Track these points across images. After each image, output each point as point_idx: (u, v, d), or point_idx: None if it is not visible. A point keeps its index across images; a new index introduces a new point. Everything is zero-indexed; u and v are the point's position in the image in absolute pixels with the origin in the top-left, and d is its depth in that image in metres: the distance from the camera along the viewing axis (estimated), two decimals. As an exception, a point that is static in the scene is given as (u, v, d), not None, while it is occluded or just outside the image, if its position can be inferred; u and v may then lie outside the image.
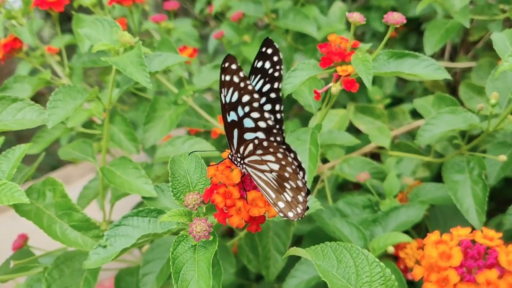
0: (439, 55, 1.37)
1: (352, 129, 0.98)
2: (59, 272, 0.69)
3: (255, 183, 0.50)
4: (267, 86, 0.51)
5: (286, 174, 0.48)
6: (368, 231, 0.78)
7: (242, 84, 0.46)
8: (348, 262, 0.47)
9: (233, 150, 0.51)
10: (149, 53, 0.73)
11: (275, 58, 0.51)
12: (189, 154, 0.59)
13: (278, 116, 0.52)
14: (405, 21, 0.62)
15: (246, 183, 0.52)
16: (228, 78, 0.46)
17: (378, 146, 0.94)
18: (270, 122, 0.47)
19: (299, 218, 0.50)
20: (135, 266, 0.84)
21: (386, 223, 0.79)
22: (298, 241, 1.06)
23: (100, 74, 1.29)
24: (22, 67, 1.15)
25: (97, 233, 0.67)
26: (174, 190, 0.57)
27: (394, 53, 0.67)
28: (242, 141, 0.49)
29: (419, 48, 1.25)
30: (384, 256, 0.77)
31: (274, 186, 0.49)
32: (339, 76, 0.65)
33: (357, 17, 0.62)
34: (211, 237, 0.52)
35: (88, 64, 0.90)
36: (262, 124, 0.48)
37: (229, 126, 0.49)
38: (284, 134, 0.52)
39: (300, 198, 0.49)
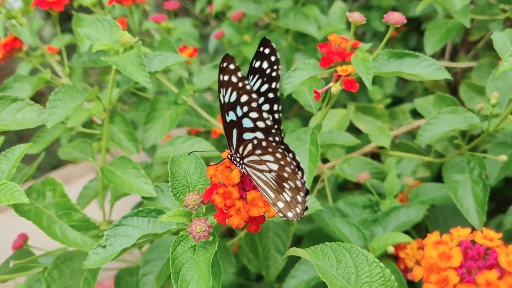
0: (439, 55, 1.37)
1: (352, 129, 0.98)
2: (59, 272, 0.69)
3: (254, 183, 0.50)
4: (265, 86, 0.51)
5: (285, 174, 0.48)
6: (368, 231, 0.78)
7: (240, 84, 0.46)
8: (347, 263, 0.47)
9: (232, 150, 0.51)
10: (149, 53, 0.73)
11: (273, 58, 0.51)
12: (188, 154, 0.59)
13: (276, 116, 0.52)
14: (405, 21, 0.62)
15: (245, 183, 0.52)
16: (226, 78, 0.46)
17: (379, 146, 0.93)
18: (268, 122, 0.47)
19: (298, 218, 0.50)
20: (135, 266, 0.84)
21: (386, 223, 0.78)
22: (298, 241, 1.05)
23: (100, 74, 1.29)
24: (22, 66, 1.15)
25: (96, 233, 0.67)
26: (173, 190, 0.57)
27: (394, 53, 0.67)
28: (241, 141, 0.49)
29: (419, 48, 1.25)
30: (384, 256, 0.77)
31: (273, 186, 0.49)
32: (339, 76, 0.65)
33: (357, 17, 0.62)
34: (211, 238, 0.52)
35: (88, 63, 0.90)
36: (260, 124, 0.47)
37: (228, 126, 0.49)
38: (282, 134, 0.52)
39: (299, 198, 0.49)
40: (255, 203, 0.50)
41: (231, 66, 0.45)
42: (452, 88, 1.27)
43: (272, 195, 0.49)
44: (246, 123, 0.48)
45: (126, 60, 0.67)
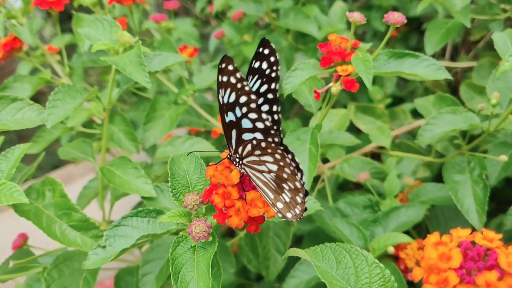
0: (440, 55, 1.37)
1: (353, 129, 0.98)
2: (59, 272, 0.69)
3: (254, 183, 0.50)
4: (265, 87, 0.51)
5: (284, 175, 0.48)
6: (369, 231, 0.77)
7: (239, 85, 0.45)
8: (347, 263, 0.47)
9: (231, 150, 0.50)
10: (148, 53, 0.73)
11: (272, 59, 0.51)
12: (188, 154, 0.59)
13: (276, 117, 0.52)
14: (405, 21, 0.62)
15: (245, 184, 0.52)
16: (225, 79, 0.46)
17: (379, 146, 0.93)
18: (267, 123, 0.47)
19: (298, 219, 0.50)
20: (135, 265, 0.84)
21: (387, 223, 0.78)
22: (298, 241, 1.05)
23: (101, 74, 1.29)
24: (23, 66, 1.15)
25: (96, 233, 0.67)
26: (173, 191, 0.56)
27: (395, 53, 0.67)
28: (240, 142, 0.49)
29: (420, 48, 1.25)
30: (385, 257, 0.77)
31: (273, 187, 0.49)
32: (339, 76, 0.65)
33: (357, 17, 0.62)
34: (211, 238, 0.52)
35: (88, 63, 0.90)
36: (259, 125, 0.47)
37: (227, 127, 0.49)
38: (281, 135, 0.52)
39: (299, 199, 0.49)
40: (255, 204, 0.50)
41: (230, 67, 0.45)
42: (452, 88, 1.27)
43: (272, 196, 0.49)
44: (245, 123, 0.48)
45: (125, 60, 0.67)
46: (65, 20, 1.73)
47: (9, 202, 0.59)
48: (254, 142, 0.48)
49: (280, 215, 0.50)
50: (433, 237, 0.46)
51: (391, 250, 0.73)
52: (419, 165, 0.98)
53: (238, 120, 0.47)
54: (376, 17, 1.34)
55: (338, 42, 0.67)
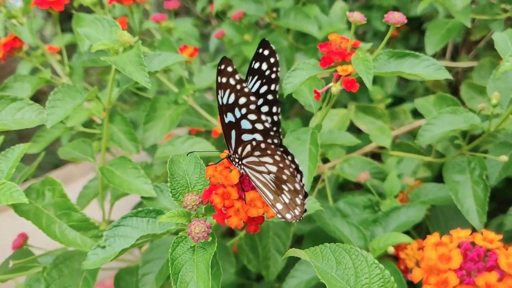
0: (440, 55, 1.37)
1: (353, 129, 0.98)
2: (58, 272, 0.69)
3: (253, 184, 0.50)
4: (264, 88, 0.51)
5: (284, 176, 0.48)
6: (369, 231, 0.77)
7: (238, 87, 0.45)
8: (347, 264, 0.47)
9: (231, 150, 0.50)
10: (148, 53, 0.73)
11: (272, 60, 0.50)
12: (188, 154, 0.59)
13: (275, 118, 0.52)
14: (406, 21, 0.62)
15: (244, 184, 0.52)
16: (224, 80, 0.46)
17: (379, 146, 0.93)
18: (267, 124, 0.47)
19: (297, 220, 0.50)
20: (135, 265, 0.84)
21: (387, 223, 0.78)
22: (298, 241, 1.05)
23: (101, 73, 1.29)
24: (23, 66, 1.15)
25: (96, 233, 0.67)
26: (173, 191, 0.56)
27: (395, 53, 0.67)
28: (240, 142, 0.49)
29: (420, 48, 1.25)
30: (385, 257, 0.77)
31: (272, 188, 0.49)
32: (340, 76, 0.65)
33: (357, 17, 0.62)
34: (210, 238, 0.52)
35: (88, 63, 0.90)
36: (259, 126, 0.47)
37: (226, 127, 0.49)
38: (281, 137, 0.52)
39: (298, 201, 0.49)
40: (254, 204, 0.50)
41: (229, 69, 0.45)
42: (453, 88, 1.27)
43: (271, 197, 0.49)
44: (245, 124, 0.47)
45: (125, 60, 0.67)
46: (65, 20, 1.73)
47: (8, 202, 0.59)
48: (254, 143, 0.48)
49: (279, 216, 0.50)
50: (433, 238, 0.46)
51: (391, 250, 0.73)
52: (420, 165, 0.98)
53: (238, 121, 0.47)
54: (376, 17, 1.34)
55: (338, 42, 0.66)
